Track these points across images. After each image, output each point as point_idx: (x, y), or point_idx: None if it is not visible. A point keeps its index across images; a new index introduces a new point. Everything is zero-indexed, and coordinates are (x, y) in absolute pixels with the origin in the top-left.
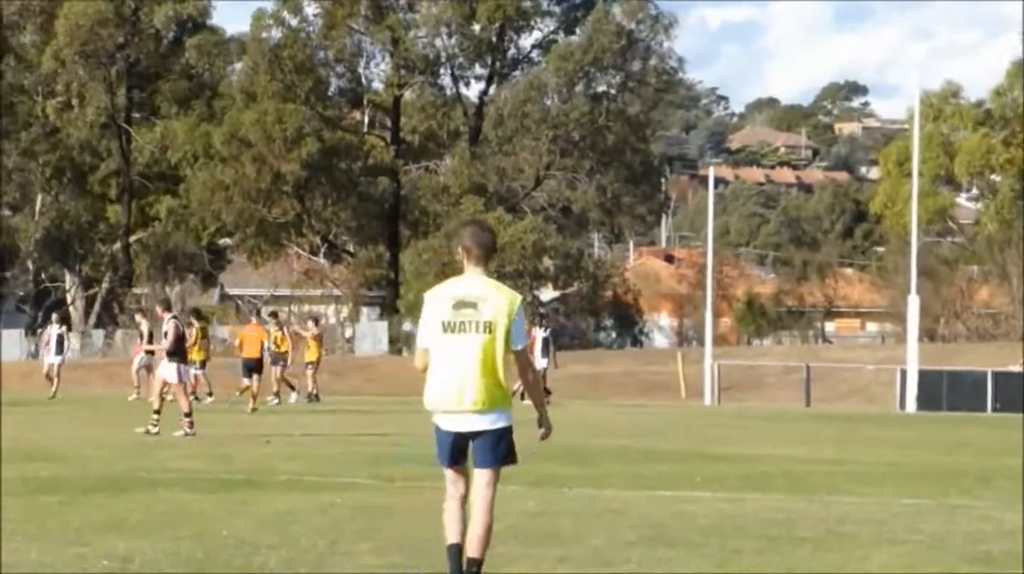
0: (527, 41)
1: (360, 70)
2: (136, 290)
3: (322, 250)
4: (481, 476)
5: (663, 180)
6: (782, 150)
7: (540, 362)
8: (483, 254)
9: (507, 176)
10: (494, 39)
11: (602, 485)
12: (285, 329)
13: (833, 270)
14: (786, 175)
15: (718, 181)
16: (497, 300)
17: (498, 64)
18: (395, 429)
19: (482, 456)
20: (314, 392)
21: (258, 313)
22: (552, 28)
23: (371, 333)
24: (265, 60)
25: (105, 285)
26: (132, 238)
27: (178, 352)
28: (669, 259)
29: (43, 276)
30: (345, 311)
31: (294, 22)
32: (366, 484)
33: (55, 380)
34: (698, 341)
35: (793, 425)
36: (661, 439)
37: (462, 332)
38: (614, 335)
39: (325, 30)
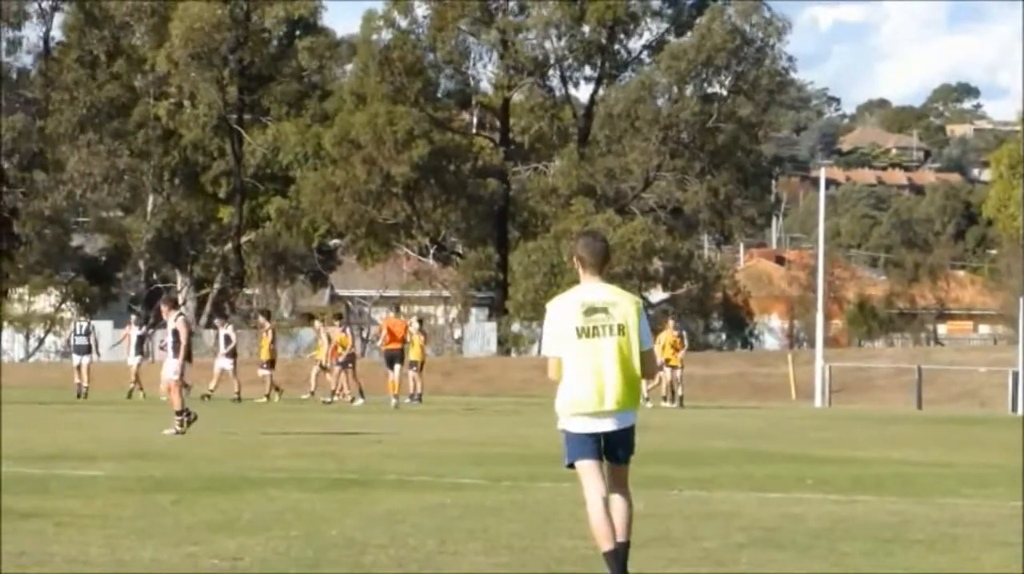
0: (637, 43)
1: (469, 71)
2: (247, 290)
3: (431, 251)
4: (621, 471)
5: (774, 182)
6: (893, 152)
7: None
8: (598, 263)
9: (616, 177)
10: (604, 40)
11: (712, 487)
12: (349, 330)
13: (945, 272)
14: (897, 177)
15: (829, 183)
16: (625, 304)
17: (607, 65)
18: (503, 430)
19: (623, 451)
20: (418, 393)
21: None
22: (663, 29)
23: (480, 334)
24: (375, 62)
25: (216, 286)
26: (243, 239)
27: (183, 350)
28: (780, 261)
29: (155, 277)
30: (454, 312)
31: (404, 23)
32: (475, 484)
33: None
34: (809, 343)
35: (904, 427)
36: (772, 441)
37: (597, 336)
38: (724, 337)
39: (435, 31)
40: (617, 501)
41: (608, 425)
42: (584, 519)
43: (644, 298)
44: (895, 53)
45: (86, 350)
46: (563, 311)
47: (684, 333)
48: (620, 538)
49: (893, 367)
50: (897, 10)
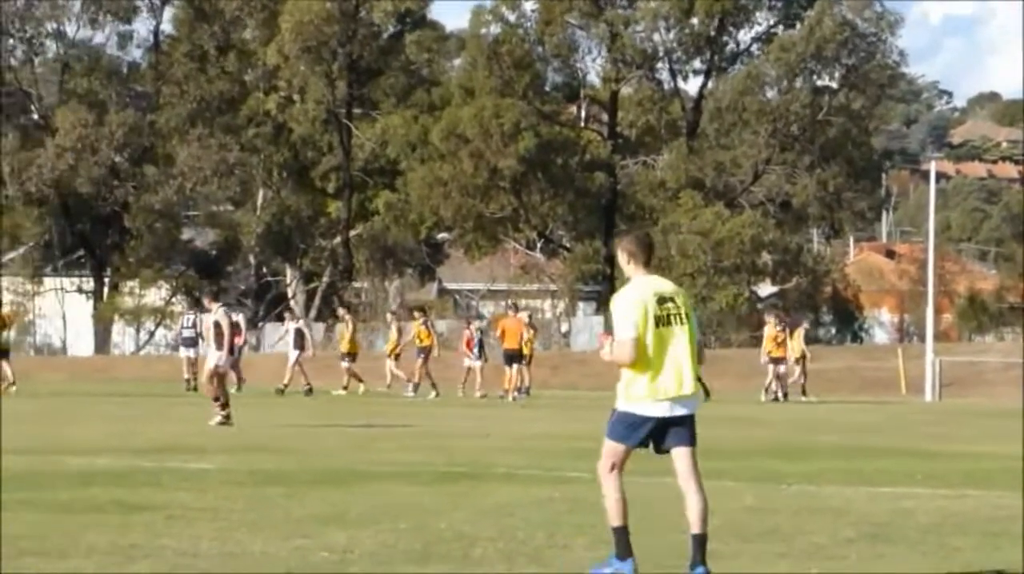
0: (746, 35)
1: (577, 65)
2: (356, 284)
3: (539, 245)
4: (690, 455)
5: (884, 175)
6: (1004, 145)
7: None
8: (647, 257)
9: (725, 170)
10: (712, 33)
11: (821, 482)
12: (428, 323)
13: None
14: (1008, 170)
15: (939, 176)
16: (684, 295)
17: (716, 58)
18: None
19: (690, 436)
20: (526, 386)
21: (423, 310)
22: (772, 22)
23: (587, 327)
24: (483, 55)
25: (325, 279)
26: (352, 232)
27: (226, 342)
28: (890, 254)
29: (265, 270)
30: (561, 306)
31: (512, 17)
32: (583, 478)
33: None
34: (919, 337)
35: (1014, 422)
36: (881, 436)
37: (670, 325)
38: (834, 331)
39: (543, 25)
40: (693, 491)
41: (682, 409)
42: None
43: (753, 292)
44: (1006, 46)
45: (193, 343)
46: (639, 299)
47: (787, 327)
48: (697, 530)
49: (1003, 361)
50: (1006, 3)
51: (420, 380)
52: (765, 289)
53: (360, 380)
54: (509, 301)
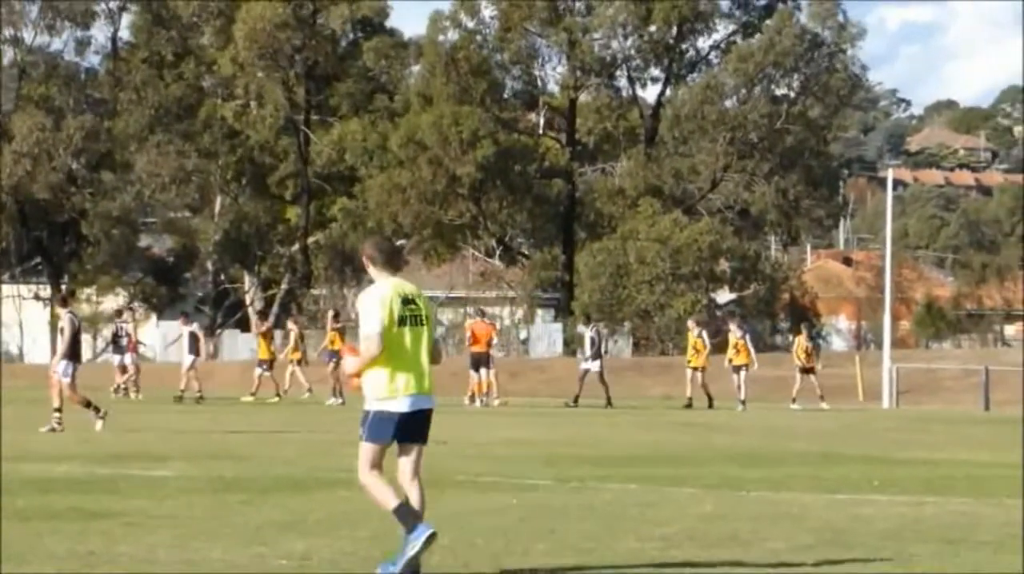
0: (705, 43)
1: (536, 72)
2: (314, 291)
3: (497, 252)
4: (419, 452)
5: (842, 183)
6: (961, 152)
7: (591, 364)
8: (387, 259)
9: (683, 178)
10: (671, 41)
11: (781, 488)
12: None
13: (1012, 273)
14: (965, 177)
15: (897, 183)
16: (424, 298)
17: (675, 66)
18: (571, 431)
19: (424, 433)
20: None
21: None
22: (731, 30)
23: (546, 335)
24: (441, 62)
25: (284, 286)
26: (310, 239)
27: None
28: (847, 262)
29: (222, 277)
30: (520, 313)
31: (471, 24)
32: (542, 485)
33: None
34: (876, 344)
35: (972, 429)
36: (840, 442)
37: (412, 325)
38: (791, 338)
39: (501, 32)
40: (418, 484)
41: (423, 404)
42: (652, 520)
43: (711, 299)
44: (963, 54)
45: (122, 350)
46: (385, 297)
47: (748, 335)
48: (420, 520)
49: (961, 368)
50: (965, 11)
51: (337, 383)
52: (723, 296)
53: (278, 391)
54: (475, 307)
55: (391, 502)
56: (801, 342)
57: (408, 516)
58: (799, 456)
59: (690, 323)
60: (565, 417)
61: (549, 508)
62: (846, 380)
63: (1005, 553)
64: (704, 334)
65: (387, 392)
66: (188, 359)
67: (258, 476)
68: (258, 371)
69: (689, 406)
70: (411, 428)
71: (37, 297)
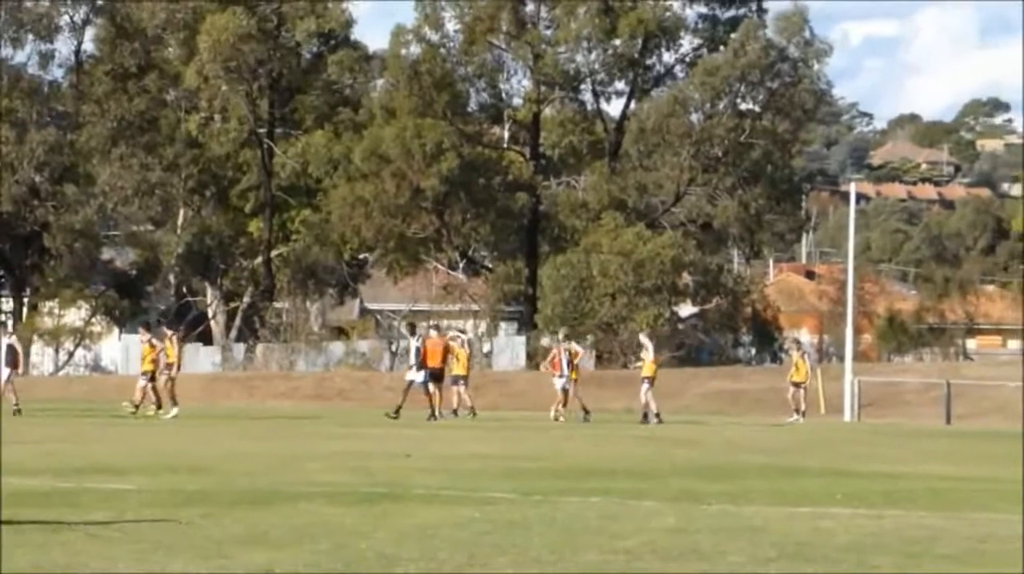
0: (670, 57)
1: (500, 85)
2: (277, 304)
3: (461, 265)
4: None
5: (804, 197)
6: (924, 166)
7: (414, 374)
8: None
9: (647, 191)
10: (636, 55)
11: (742, 501)
12: (176, 339)
13: (975, 287)
14: (928, 191)
15: (859, 197)
16: None
17: (640, 80)
18: (534, 444)
19: None
20: (469, 406)
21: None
22: (697, 44)
23: (509, 348)
24: (404, 75)
25: (246, 299)
26: (273, 252)
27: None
28: (810, 275)
29: (185, 290)
30: (483, 326)
31: (435, 38)
32: (504, 498)
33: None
34: (838, 357)
35: (934, 442)
36: (801, 455)
37: None
38: (753, 351)
39: (465, 45)
40: None
41: None
42: (614, 533)
43: (674, 312)
44: (926, 68)
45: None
46: None
47: (807, 355)
48: None
49: (922, 382)
50: (928, 25)
51: (172, 397)
52: (686, 309)
53: (158, 402)
54: (429, 323)
55: None
56: (796, 359)
57: None
58: (760, 469)
59: (642, 337)
60: (526, 430)
61: (511, 521)
62: (808, 393)
63: (966, 566)
64: (651, 347)
65: None
66: (5, 372)
67: (219, 490)
68: (143, 383)
69: (647, 420)
70: None
71: None
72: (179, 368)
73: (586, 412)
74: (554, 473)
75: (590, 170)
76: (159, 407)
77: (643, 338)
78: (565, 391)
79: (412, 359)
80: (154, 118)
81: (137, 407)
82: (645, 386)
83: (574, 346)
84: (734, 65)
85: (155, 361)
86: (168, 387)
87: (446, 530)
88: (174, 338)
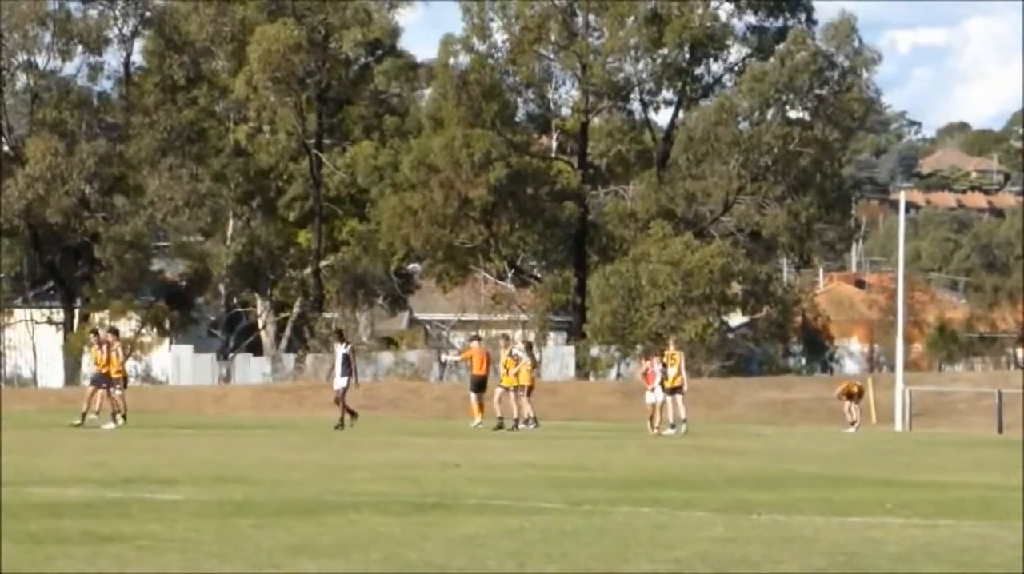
0: (719, 66)
1: (548, 95)
2: (326, 314)
3: (509, 275)
4: None
5: (854, 205)
6: (974, 175)
7: (339, 381)
8: None
9: (695, 200)
10: (684, 64)
11: (792, 511)
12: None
13: None
14: (978, 200)
15: (909, 206)
16: None
17: (688, 89)
18: (582, 453)
19: None
20: (532, 416)
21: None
22: (745, 54)
23: (558, 357)
24: (453, 85)
25: (296, 310)
26: (322, 263)
27: None
28: (860, 284)
29: (235, 301)
30: (532, 336)
31: (483, 48)
32: (554, 508)
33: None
34: (889, 367)
35: (985, 451)
36: (852, 465)
37: None
38: (804, 361)
39: (513, 55)
40: None
41: None
42: (663, 543)
43: (723, 322)
44: (975, 76)
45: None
46: None
47: (525, 351)
48: None
49: (974, 391)
50: (977, 33)
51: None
52: (735, 319)
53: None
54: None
55: None
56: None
57: None
58: (809, 479)
59: (516, 350)
60: (574, 440)
61: (560, 531)
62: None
63: None
64: (526, 358)
65: None
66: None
67: (267, 500)
68: (118, 393)
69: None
70: None
71: (50, 321)
72: (125, 382)
73: (675, 424)
74: (603, 483)
75: (638, 179)
76: (124, 417)
77: (517, 351)
78: (654, 405)
79: (338, 367)
80: (203, 129)
81: (103, 414)
82: (523, 394)
83: (672, 349)
84: (782, 73)
85: (122, 369)
86: (115, 397)
87: (495, 540)
88: (117, 346)
